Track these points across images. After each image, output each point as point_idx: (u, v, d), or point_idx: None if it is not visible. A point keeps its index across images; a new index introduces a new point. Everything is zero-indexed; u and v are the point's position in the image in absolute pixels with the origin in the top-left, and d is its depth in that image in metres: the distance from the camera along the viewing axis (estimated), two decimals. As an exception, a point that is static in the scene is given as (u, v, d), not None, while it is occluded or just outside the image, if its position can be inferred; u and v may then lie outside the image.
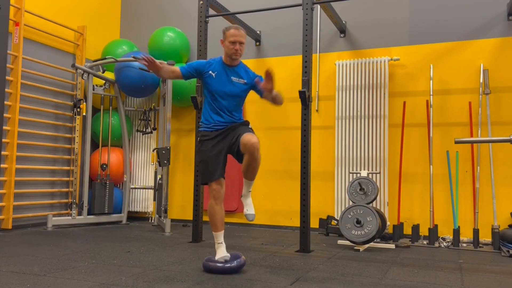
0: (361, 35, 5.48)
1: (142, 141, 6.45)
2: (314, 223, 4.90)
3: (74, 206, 5.53)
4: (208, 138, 3.19)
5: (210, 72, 3.19)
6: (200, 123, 3.31)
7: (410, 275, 3.14)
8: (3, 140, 4.91)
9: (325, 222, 5.18)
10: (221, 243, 3.13)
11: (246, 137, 3.01)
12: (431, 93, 4.96)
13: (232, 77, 3.19)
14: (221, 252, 3.10)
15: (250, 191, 3.28)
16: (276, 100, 3.19)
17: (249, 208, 3.25)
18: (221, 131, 3.18)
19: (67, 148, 5.88)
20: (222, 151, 3.18)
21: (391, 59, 5.19)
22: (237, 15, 5.27)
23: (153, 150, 6.10)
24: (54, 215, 5.38)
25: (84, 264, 3.24)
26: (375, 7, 5.43)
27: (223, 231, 3.17)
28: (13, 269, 3.03)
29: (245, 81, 3.22)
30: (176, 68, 3.28)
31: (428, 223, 4.80)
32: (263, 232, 5.37)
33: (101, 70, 5.99)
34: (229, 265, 3.03)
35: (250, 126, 3.26)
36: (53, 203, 5.68)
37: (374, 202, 4.65)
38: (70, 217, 5.49)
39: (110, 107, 6.11)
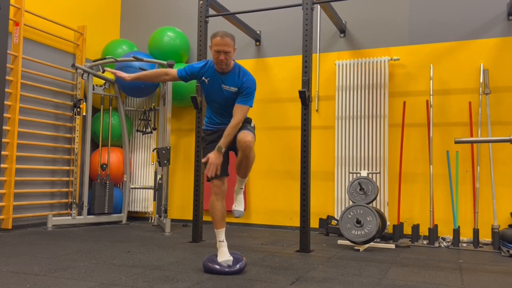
0: (361, 35, 5.48)
1: (142, 141, 6.45)
2: (314, 223, 4.90)
3: (74, 206, 5.53)
4: (209, 135, 3.25)
5: (203, 78, 3.19)
6: (204, 121, 3.36)
7: (410, 275, 3.14)
8: (3, 140, 4.91)
9: (325, 222, 5.18)
10: (223, 241, 3.10)
11: (241, 135, 3.03)
12: (431, 93, 4.96)
13: (223, 85, 3.14)
14: (224, 255, 3.06)
15: (242, 188, 3.27)
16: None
17: (238, 204, 3.26)
18: (222, 128, 3.18)
19: (67, 148, 5.88)
20: None
21: (391, 59, 5.19)
22: (237, 15, 5.27)
23: (153, 150, 6.10)
24: (54, 215, 5.37)
25: (84, 264, 3.24)
26: (375, 7, 5.43)
27: (224, 229, 3.14)
28: (13, 269, 3.03)
29: (235, 89, 3.12)
30: (171, 70, 3.34)
31: (428, 223, 4.80)
32: (263, 232, 5.37)
33: (101, 70, 5.98)
34: (228, 270, 3.00)
35: (252, 124, 3.24)
36: (53, 203, 5.68)
37: (374, 202, 4.65)
38: (70, 217, 5.49)
39: (110, 107, 6.11)
